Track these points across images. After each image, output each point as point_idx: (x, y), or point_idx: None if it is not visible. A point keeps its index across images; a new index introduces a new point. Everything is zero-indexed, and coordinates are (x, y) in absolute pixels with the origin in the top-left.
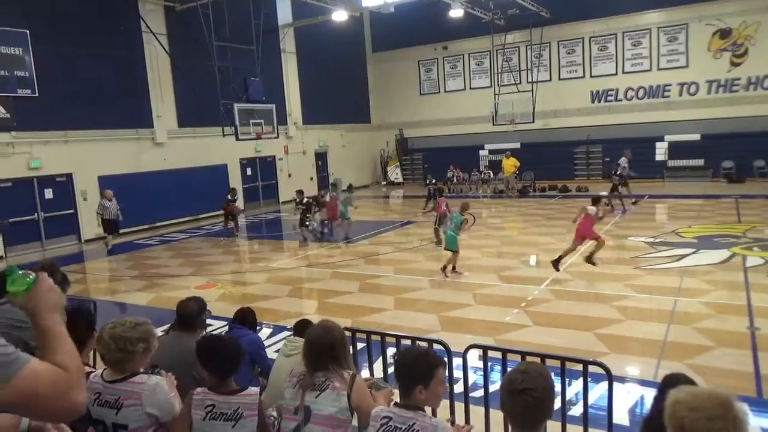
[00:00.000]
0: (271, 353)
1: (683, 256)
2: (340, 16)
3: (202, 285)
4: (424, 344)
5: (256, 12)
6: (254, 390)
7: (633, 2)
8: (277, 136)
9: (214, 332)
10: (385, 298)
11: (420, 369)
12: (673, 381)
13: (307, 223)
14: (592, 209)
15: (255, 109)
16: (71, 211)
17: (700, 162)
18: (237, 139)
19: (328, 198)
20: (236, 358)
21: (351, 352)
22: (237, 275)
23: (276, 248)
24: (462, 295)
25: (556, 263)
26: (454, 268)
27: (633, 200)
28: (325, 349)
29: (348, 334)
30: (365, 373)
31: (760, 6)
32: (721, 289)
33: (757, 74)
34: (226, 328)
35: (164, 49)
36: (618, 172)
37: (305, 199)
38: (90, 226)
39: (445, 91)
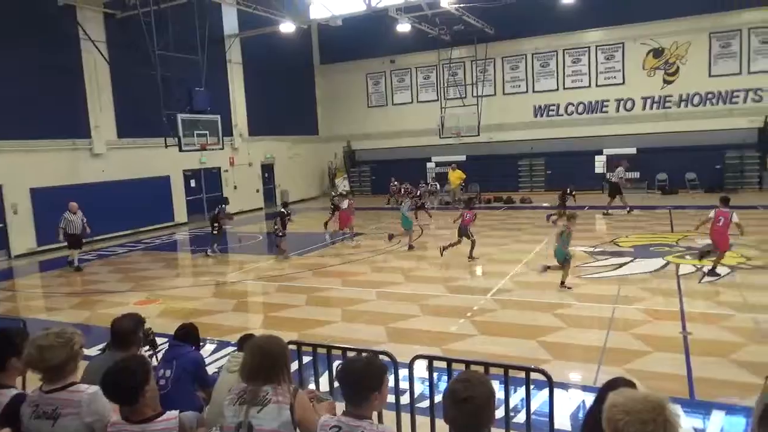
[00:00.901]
0: (214, 370)
1: (621, 265)
2: (287, 27)
3: (141, 301)
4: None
5: (201, 21)
6: (172, 414)
7: (572, 21)
8: (222, 148)
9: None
10: (333, 310)
11: (373, 375)
12: (613, 384)
13: (280, 233)
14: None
15: (199, 119)
16: (0, 225)
17: (636, 174)
18: (180, 150)
19: (345, 205)
20: (135, 386)
21: (294, 365)
22: (180, 290)
23: (221, 262)
24: (409, 307)
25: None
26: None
27: (628, 209)
28: (266, 362)
29: (293, 347)
30: (312, 387)
31: (690, 28)
32: (656, 296)
33: (687, 92)
34: (167, 345)
35: (104, 57)
36: (612, 179)
37: (281, 209)
38: (20, 240)
39: (392, 104)
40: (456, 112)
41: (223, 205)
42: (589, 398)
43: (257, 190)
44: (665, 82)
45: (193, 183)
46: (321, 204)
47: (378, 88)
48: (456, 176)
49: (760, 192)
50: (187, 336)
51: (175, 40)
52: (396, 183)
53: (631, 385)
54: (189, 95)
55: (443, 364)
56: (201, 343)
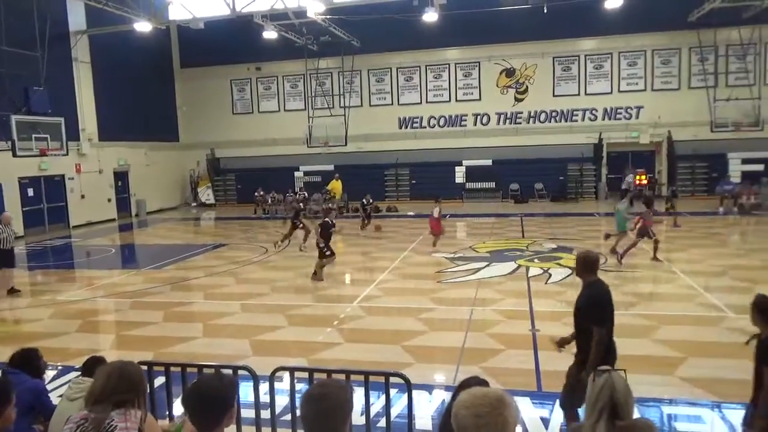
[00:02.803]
0: (56, 398)
1: (478, 270)
2: (143, 27)
3: None
4: (228, 371)
5: (40, 14)
6: None
7: (433, 39)
8: (67, 153)
9: None
10: (194, 325)
11: (225, 394)
12: (466, 384)
13: (326, 251)
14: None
15: (39, 122)
16: None
17: (492, 184)
18: (14, 155)
19: (435, 213)
20: None
21: (147, 387)
22: (14, 312)
23: (64, 278)
24: (275, 318)
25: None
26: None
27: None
28: (122, 386)
29: (144, 368)
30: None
31: (537, 51)
32: (509, 297)
33: (535, 109)
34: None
35: None
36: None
37: (324, 219)
38: None
39: (259, 112)
40: (324, 121)
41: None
42: (448, 398)
43: (109, 200)
44: (516, 99)
45: (31, 192)
46: (182, 214)
47: (243, 95)
48: (339, 185)
49: (596, 201)
50: (24, 363)
51: (8, 33)
52: (262, 192)
53: (483, 383)
54: (26, 95)
55: (307, 375)
56: (42, 370)
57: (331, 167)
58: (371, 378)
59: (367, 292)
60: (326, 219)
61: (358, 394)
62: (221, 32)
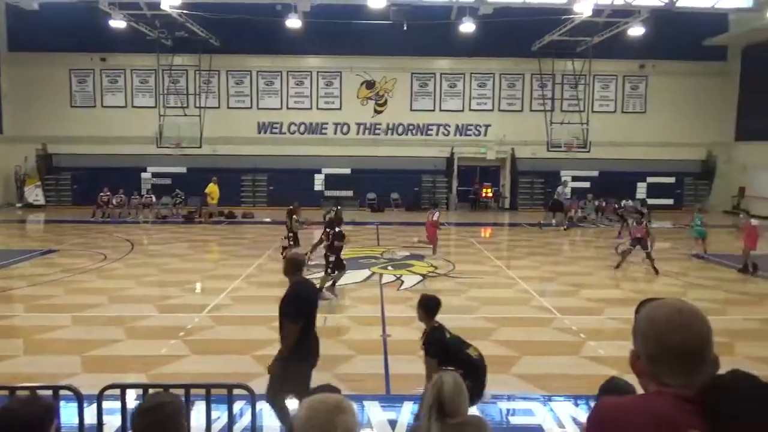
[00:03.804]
0: None
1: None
2: None
3: None
4: (47, 393)
5: None
6: None
7: (296, 45)
8: None
9: None
10: (13, 342)
11: (37, 419)
12: (316, 391)
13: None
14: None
15: None
16: None
17: (350, 193)
18: None
19: (433, 218)
20: None
21: None
22: None
23: None
24: (111, 331)
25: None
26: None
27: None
28: None
29: None
30: None
31: (397, 66)
32: (362, 304)
33: (393, 122)
34: None
35: None
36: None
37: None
38: None
39: (103, 106)
40: (177, 121)
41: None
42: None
43: None
44: (376, 111)
45: None
46: (4, 215)
47: (85, 86)
48: (216, 189)
49: (447, 211)
50: None
51: None
52: (109, 193)
53: (335, 390)
54: None
55: (142, 392)
56: None
57: (183, 169)
58: (215, 391)
59: (218, 301)
60: (338, 229)
61: (200, 408)
62: (61, 16)
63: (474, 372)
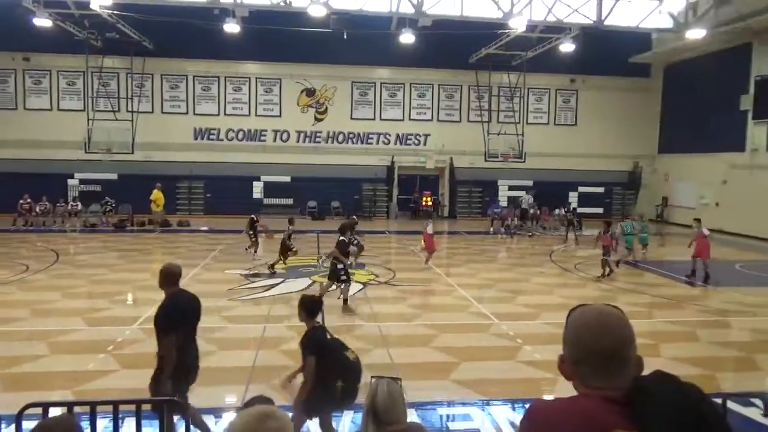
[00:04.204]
0: None
1: (273, 286)
2: None
3: None
4: None
5: None
6: None
7: (234, 51)
8: None
9: None
10: None
11: None
12: (250, 403)
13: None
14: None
15: None
16: None
17: (290, 201)
18: None
19: (429, 230)
20: None
21: None
22: None
23: None
24: (33, 346)
25: None
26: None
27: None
28: None
29: None
30: None
31: (337, 74)
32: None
33: (334, 130)
34: None
35: None
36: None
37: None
38: None
39: (25, 109)
40: (107, 125)
41: None
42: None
43: None
44: (316, 119)
45: None
46: None
47: (6, 87)
48: (160, 195)
49: (388, 219)
50: None
51: None
52: (30, 201)
53: (268, 401)
54: None
55: (77, 409)
56: None
57: (114, 176)
58: (145, 407)
59: (150, 313)
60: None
61: (130, 425)
62: None
63: (350, 374)
